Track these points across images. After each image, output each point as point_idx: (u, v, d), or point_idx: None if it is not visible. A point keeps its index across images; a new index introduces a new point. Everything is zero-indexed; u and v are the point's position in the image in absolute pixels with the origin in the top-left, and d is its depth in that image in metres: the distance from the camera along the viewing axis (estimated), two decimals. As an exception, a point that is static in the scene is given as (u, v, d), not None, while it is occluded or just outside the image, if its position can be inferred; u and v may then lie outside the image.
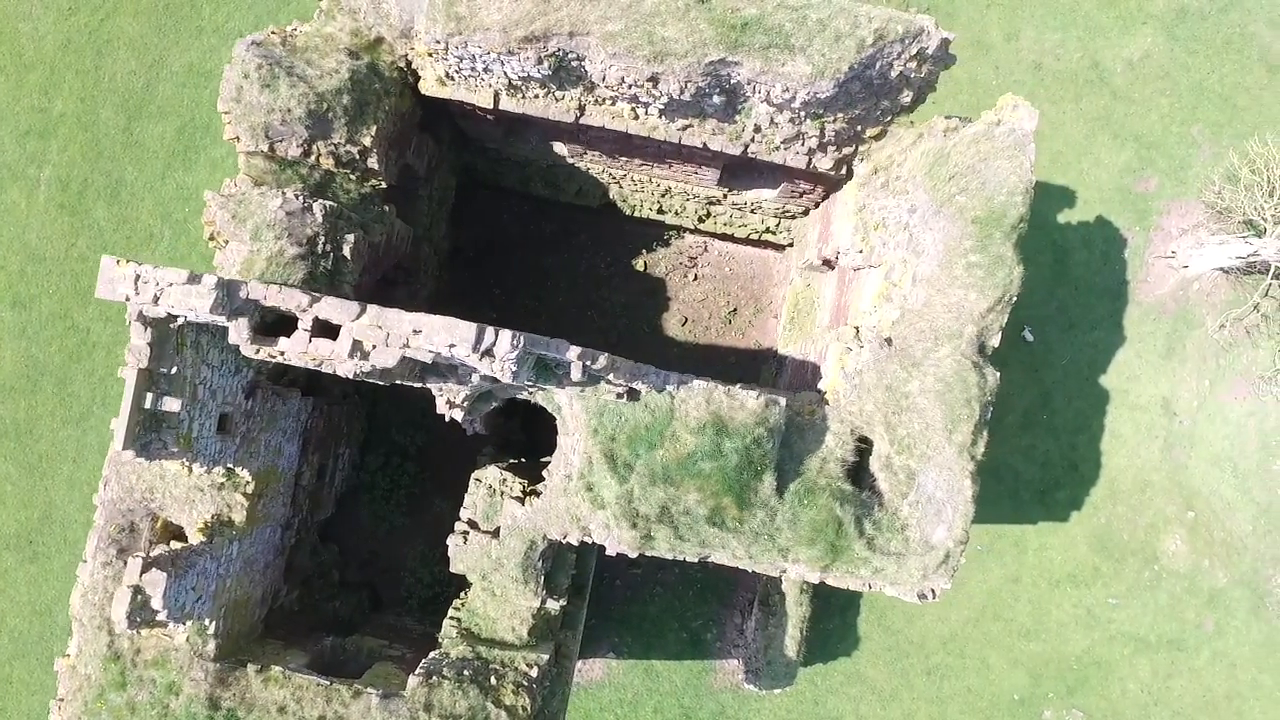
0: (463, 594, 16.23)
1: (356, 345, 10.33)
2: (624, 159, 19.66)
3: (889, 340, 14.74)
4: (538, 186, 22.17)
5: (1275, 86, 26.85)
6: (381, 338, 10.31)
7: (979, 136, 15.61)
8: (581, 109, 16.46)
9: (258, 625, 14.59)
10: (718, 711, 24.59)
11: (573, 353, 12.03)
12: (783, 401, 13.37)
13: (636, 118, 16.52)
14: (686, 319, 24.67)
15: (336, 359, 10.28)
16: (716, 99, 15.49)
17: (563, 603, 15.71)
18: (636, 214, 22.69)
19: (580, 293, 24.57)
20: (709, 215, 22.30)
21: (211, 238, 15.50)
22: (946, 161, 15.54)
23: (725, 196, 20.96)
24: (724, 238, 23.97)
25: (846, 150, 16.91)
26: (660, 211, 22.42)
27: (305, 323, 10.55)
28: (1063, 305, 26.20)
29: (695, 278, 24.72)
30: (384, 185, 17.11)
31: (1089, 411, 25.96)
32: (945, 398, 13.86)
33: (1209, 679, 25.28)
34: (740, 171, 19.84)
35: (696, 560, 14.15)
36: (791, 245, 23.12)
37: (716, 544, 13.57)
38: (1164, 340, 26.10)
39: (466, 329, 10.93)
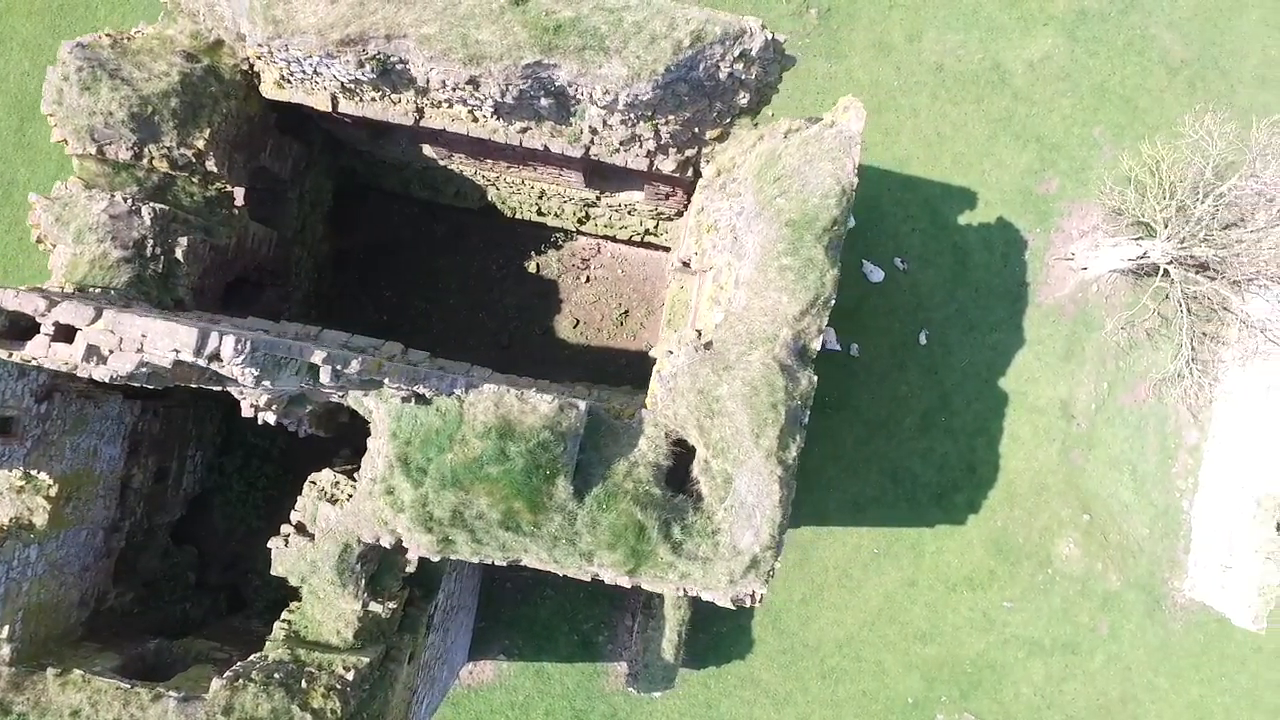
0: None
1: (92, 350, 10.32)
2: (490, 161, 19.66)
3: (709, 344, 14.70)
4: (417, 189, 22.15)
5: (1175, 88, 26.78)
6: (115, 342, 10.29)
7: (809, 139, 15.56)
8: (420, 112, 16.44)
9: (76, 628, 14.60)
10: (609, 714, 24.55)
11: (318, 356, 11.99)
12: (582, 405, 13.33)
13: (475, 120, 16.49)
14: (579, 321, 24.63)
15: (74, 363, 10.29)
16: (545, 101, 15.46)
17: (393, 605, 15.69)
18: (518, 216, 22.67)
19: (472, 294, 24.53)
20: (588, 217, 22.27)
21: (39, 240, 15.50)
22: (776, 163, 15.50)
23: (599, 199, 20.94)
24: (616, 240, 23.94)
25: (689, 152, 16.87)
26: (540, 214, 22.39)
27: (47, 327, 10.54)
28: (963, 307, 26.14)
29: (588, 280, 24.67)
30: (229, 188, 17.09)
31: (988, 414, 25.89)
32: (751, 401, 13.80)
33: (1103, 682, 25.20)
34: (608, 174, 19.80)
35: (505, 564, 14.14)
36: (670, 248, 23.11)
37: (517, 548, 13.54)
38: (1063, 342, 26.03)
39: (187, 334, 10.88)
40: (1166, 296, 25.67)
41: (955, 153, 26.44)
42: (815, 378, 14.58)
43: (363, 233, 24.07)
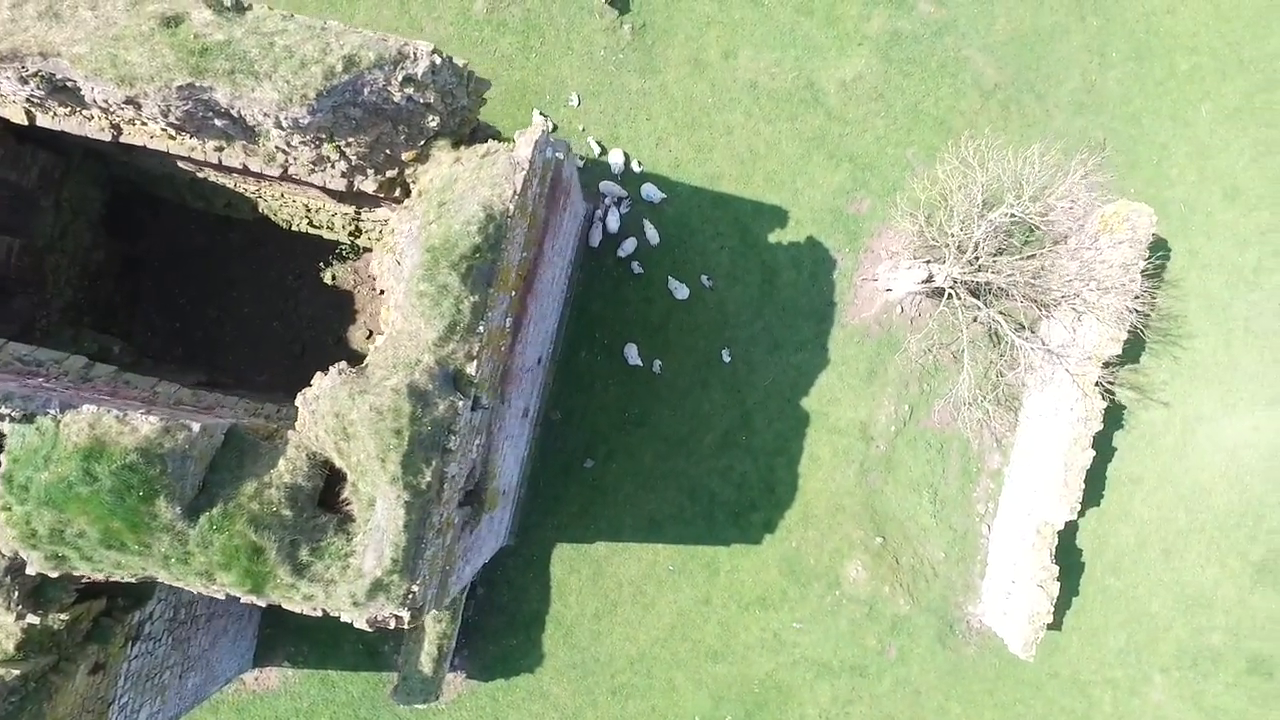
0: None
1: None
2: (236, 175, 19.78)
3: (364, 367, 14.79)
4: (191, 199, 22.29)
5: (989, 111, 26.71)
6: None
7: (485, 163, 15.65)
8: (116, 128, 16.57)
9: None
10: (394, 724, 24.68)
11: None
12: (195, 426, 13.43)
13: (173, 138, 16.61)
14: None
15: None
16: (220, 122, 15.56)
17: (64, 616, 15.84)
18: (295, 228, 22.79)
19: (267, 304, 24.67)
20: (359, 231, 22.38)
21: None
22: (452, 187, 15.59)
23: (359, 214, 21.05)
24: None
25: (390, 173, 16.94)
26: (313, 225, 22.51)
27: None
28: (769, 326, 26.14)
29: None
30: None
31: (788, 434, 25.89)
32: (377, 427, 13.88)
33: (891, 705, 25.18)
34: (348, 192, 19.87)
35: (135, 580, 14.26)
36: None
37: (133, 565, 13.67)
38: (867, 363, 26.01)
39: None
40: (975, 319, 25.67)
41: (768, 171, 26.44)
42: (462, 403, 14.64)
43: (153, 240, 24.22)
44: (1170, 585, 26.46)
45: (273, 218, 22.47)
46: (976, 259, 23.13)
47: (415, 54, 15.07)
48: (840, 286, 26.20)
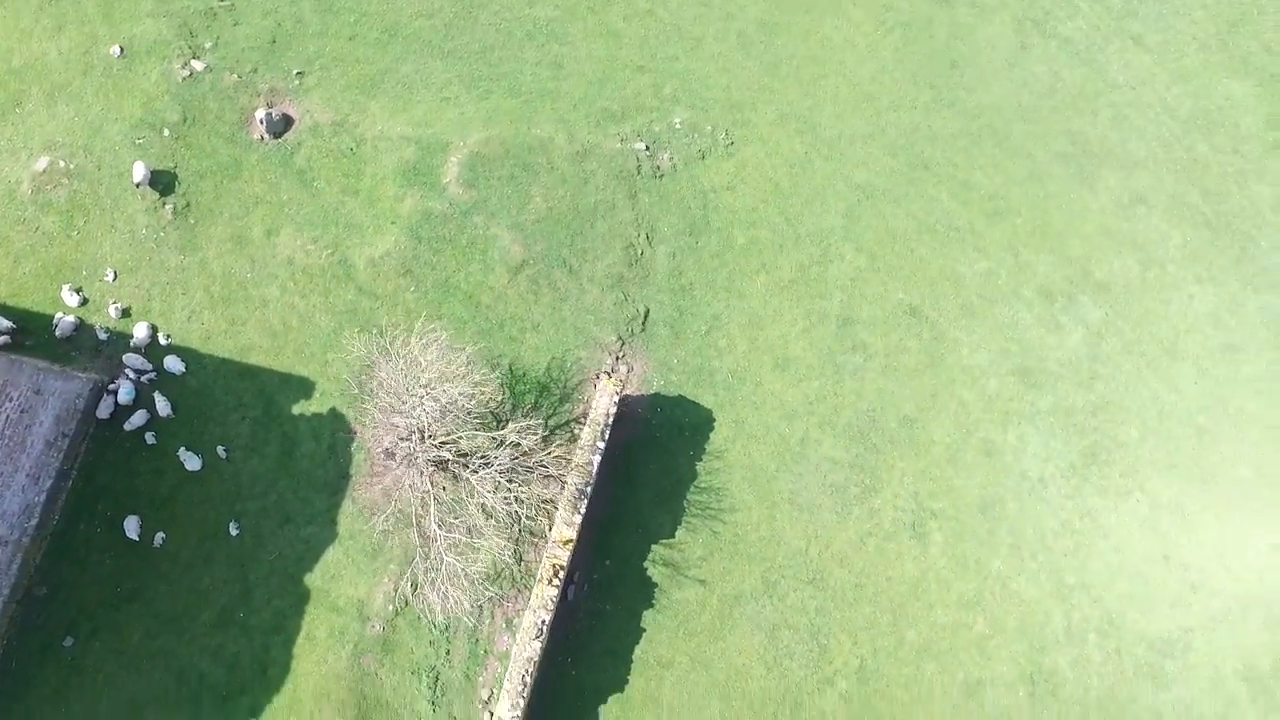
0: None
1: None
2: None
3: None
4: None
5: (519, 285, 27.22)
6: None
7: None
8: None
9: None
10: None
11: None
12: None
13: None
14: None
15: None
16: None
17: None
18: None
19: None
20: None
21: None
22: None
23: None
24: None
25: None
26: None
27: None
28: (282, 498, 25.75)
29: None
30: None
31: (288, 611, 24.96)
32: None
33: None
34: None
35: None
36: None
37: None
38: (374, 539, 25.39)
39: None
40: (507, 492, 25.21)
41: (299, 343, 26.80)
42: None
43: None
44: (700, 782, 24.61)
45: None
46: (433, 439, 22.98)
47: None
48: (357, 459, 25.96)
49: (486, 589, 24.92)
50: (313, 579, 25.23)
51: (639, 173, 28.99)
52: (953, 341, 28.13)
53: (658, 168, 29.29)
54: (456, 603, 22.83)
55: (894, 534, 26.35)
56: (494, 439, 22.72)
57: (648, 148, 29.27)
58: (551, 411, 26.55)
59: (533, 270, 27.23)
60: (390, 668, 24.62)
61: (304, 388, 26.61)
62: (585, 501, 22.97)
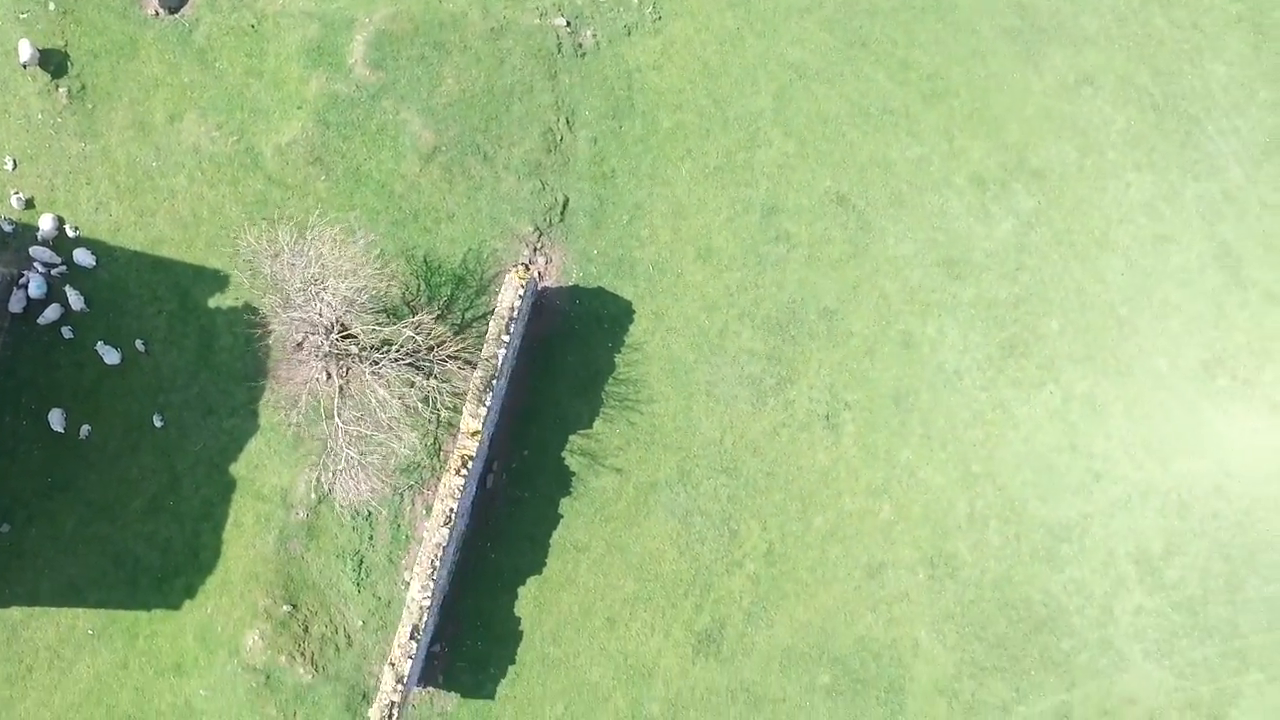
0: None
1: None
2: None
3: None
4: None
5: (430, 174, 26.49)
6: None
7: None
8: None
9: None
10: None
11: None
12: None
13: None
14: None
15: None
16: None
17: None
18: None
19: None
20: None
21: None
22: None
23: None
24: None
25: None
26: None
27: None
28: (204, 391, 26.12)
29: None
30: None
31: (215, 499, 25.86)
32: None
33: (293, 776, 25.16)
34: None
35: None
36: None
37: None
38: (294, 430, 25.89)
39: None
40: (412, 384, 25.51)
41: (210, 235, 26.39)
42: None
43: None
44: (613, 654, 26.16)
45: None
46: (341, 331, 23.02)
47: None
48: (275, 351, 26.11)
49: (405, 479, 25.77)
50: (238, 468, 25.96)
51: (559, 51, 27.56)
52: (879, 231, 27.65)
53: (579, 45, 27.82)
54: (356, 493, 23.61)
55: (807, 424, 26.86)
56: (388, 334, 22.76)
57: (569, 23, 27.68)
58: (468, 304, 26.47)
59: (445, 157, 26.39)
60: (316, 551, 25.75)
61: (219, 280, 26.40)
62: (491, 394, 23.27)
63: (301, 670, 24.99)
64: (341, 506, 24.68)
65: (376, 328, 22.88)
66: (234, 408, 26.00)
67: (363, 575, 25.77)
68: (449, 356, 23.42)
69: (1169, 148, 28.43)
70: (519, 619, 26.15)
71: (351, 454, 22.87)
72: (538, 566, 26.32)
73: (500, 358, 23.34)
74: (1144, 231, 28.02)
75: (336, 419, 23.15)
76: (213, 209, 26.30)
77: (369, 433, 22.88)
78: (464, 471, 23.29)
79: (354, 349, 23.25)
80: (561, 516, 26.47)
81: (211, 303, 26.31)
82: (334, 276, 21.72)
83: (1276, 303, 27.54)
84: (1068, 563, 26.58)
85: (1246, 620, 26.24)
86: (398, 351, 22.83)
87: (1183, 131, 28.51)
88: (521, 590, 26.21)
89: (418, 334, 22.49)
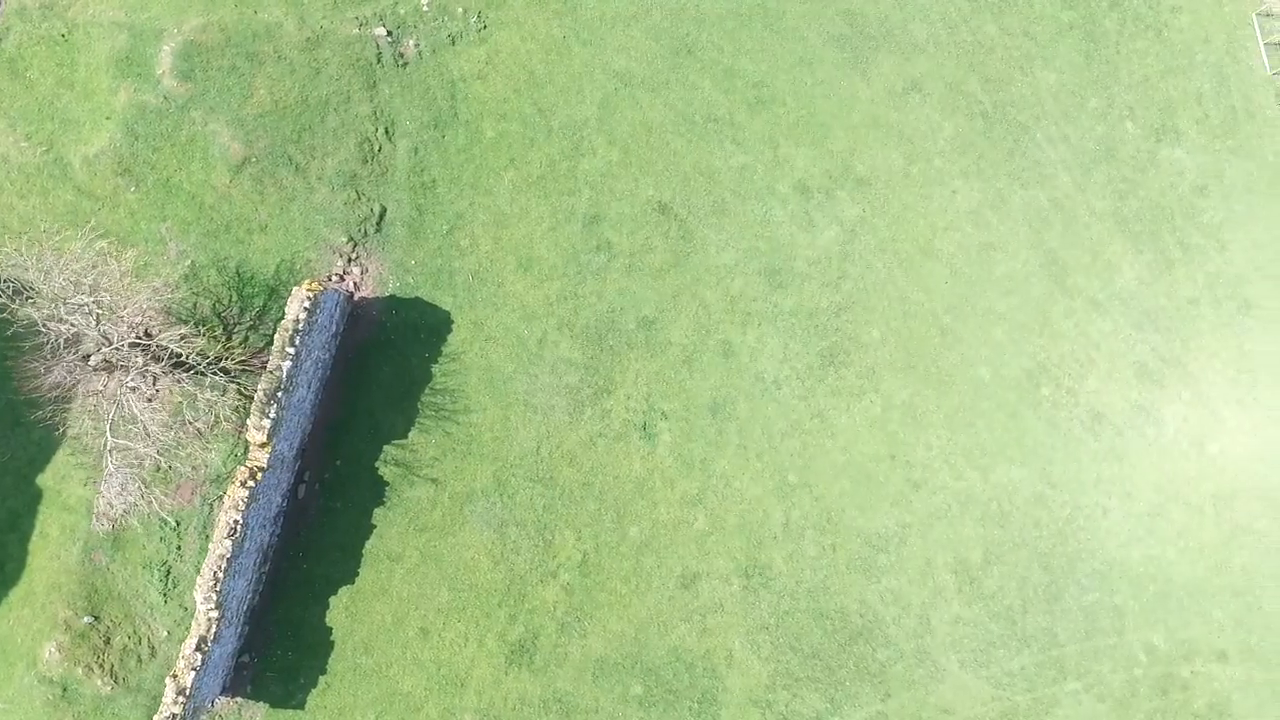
0: None
1: None
2: None
3: None
4: None
5: (241, 185, 26.38)
6: None
7: None
8: None
9: None
10: None
11: None
12: None
13: None
14: None
15: None
16: None
17: None
18: None
19: None
20: None
21: None
22: None
23: None
24: None
25: None
26: None
27: None
28: (11, 402, 25.96)
29: None
30: None
31: (21, 510, 25.74)
32: None
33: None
34: None
35: None
36: None
37: None
38: (82, 442, 25.74)
39: None
40: (224, 392, 25.46)
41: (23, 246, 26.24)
42: None
43: None
44: (426, 664, 26.05)
45: None
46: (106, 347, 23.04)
47: None
48: (76, 364, 25.98)
49: (215, 489, 25.69)
50: (44, 479, 25.84)
51: (379, 61, 27.48)
52: (700, 240, 27.57)
53: (401, 55, 27.75)
54: (123, 503, 23.65)
55: (624, 434, 26.77)
56: (150, 347, 22.73)
57: (390, 33, 27.59)
58: (280, 316, 26.36)
59: (256, 168, 26.29)
60: (122, 562, 25.62)
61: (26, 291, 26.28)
62: (275, 406, 23.16)
63: (100, 682, 24.87)
64: (109, 518, 24.70)
65: (140, 341, 22.84)
66: (41, 419, 25.88)
67: (169, 586, 25.65)
68: (234, 368, 23.36)
69: (997, 155, 28.37)
70: (330, 629, 26.05)
71: (110, 468, 22.96)
72: (350, 576, 26.22)
73: (285, 370, 23.23)
74: (970, 239, 27.95)
75: (109, 431, 23.16)
76: (24, 220, 26.20)
77: (130, 446, 22.90)
78: (250, 483, 23.18)
79: (137, 361, 23.19)
80: (375, 527, 26.37)
81: (21, 313, 26.21)
82: (105, 291, 21.68)
83: (1101, 311, 27.53)
84: (885, 573, 26.50)
85: (1065, 629, 26.20)
86: (166, 365, 22.80)
87: (1011, 139, 28.44)
88: (333, 600, 26.11)
89: (182, 347, 22.42)
